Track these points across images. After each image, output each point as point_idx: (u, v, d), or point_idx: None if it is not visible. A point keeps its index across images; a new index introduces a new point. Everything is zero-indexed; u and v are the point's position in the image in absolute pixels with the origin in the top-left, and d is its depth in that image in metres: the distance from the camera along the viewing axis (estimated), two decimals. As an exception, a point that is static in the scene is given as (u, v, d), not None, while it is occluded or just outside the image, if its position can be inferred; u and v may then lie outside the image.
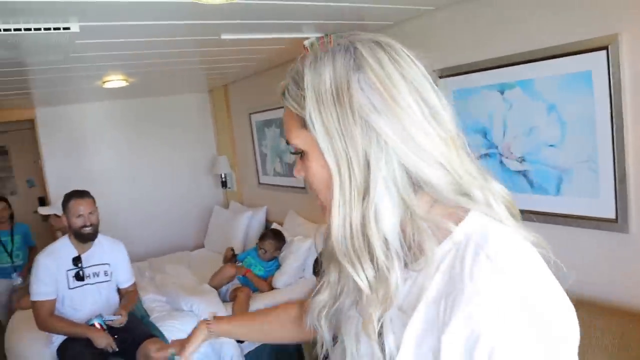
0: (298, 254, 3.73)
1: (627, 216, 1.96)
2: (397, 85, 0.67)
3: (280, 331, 1.20)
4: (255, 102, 4.72)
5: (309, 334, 1.13)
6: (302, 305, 1.14)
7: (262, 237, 3.91)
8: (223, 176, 5.59)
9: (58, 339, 2.84)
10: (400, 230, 0.69)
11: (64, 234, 3.06)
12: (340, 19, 2.66)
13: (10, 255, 4.46)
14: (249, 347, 3.32)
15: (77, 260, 2.85)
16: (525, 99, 2.23)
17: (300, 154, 0.75)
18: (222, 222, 5.12)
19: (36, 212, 4.06)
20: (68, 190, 2.93)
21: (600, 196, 2.04)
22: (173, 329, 3.17)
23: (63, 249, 2.86)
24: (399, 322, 0.69)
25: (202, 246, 5.35)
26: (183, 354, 1.19)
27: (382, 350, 0.70)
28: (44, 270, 2.75)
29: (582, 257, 2.12)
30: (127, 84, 3.90)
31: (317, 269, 0.92)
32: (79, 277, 2.84)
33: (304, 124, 0.71)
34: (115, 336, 2.75)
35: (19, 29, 1.95)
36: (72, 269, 2.83)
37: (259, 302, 3.47)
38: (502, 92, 2.33)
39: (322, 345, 0.86)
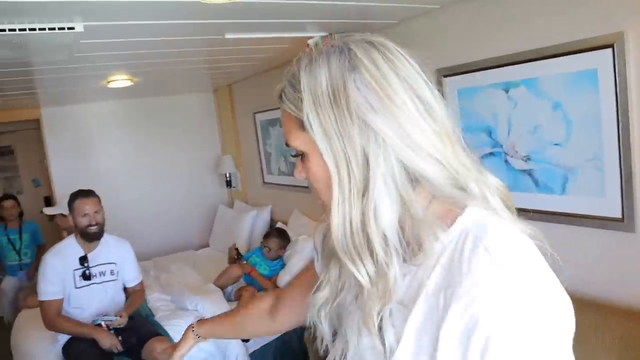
0: (303, 254, 3.72)
1: (634, 215, 1.94)
2: (392, 84, 0.68)
3: (254, 325, 1.22)
4: (260, 101, 4.73)
5: (281, 325, 1.16)
6: (278, 296, 1.16)
7: (267, 236, 3.92)
8: (228, 175, 5.59)
9: (63, 338, 2.86)
10: (399, 226, 0.70)
11: (69, 233, 3.07)
12: (345, 17, 2.66)
13: (19, 253, 4.50)
14: (253, 346, 3.33)
15: (83, 260, 2.86)
16: (530, 97, 2.22)
17: (301, 155, 0.76)
18: (226, 222, 5.13)
19: (42, 212, 4.08)
20: (73, 190, 2.95)
21: (606, 195, 2.02)
22: (178, 328, 3.17)
23: (70, 248, 2.87)
24: (399, 316, 0.70)
25: (207, 245, 5.36)
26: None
27: (383, 343, 0.72)
28: (51, 270, 2.77)
29: (587, 256, 2.11)
30: (132, 83, 3.91)
31: None
32: (85, 277, 2.85)
33: (302, 126, 0.72)
34: (120, 337, 2.76)
35: (24, 29, 1.96)
36: (78, 269, 2.84)
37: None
38: (506, 91, 2.32)
39: (322, 340, 0.88)
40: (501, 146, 2.40)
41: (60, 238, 3.32)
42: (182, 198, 5.58)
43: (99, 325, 2.77)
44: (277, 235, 3.87)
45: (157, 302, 3.61)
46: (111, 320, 2.79)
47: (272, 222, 4.79)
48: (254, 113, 4.93)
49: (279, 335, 3.25)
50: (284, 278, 3.67)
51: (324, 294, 0.83)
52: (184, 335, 1.26)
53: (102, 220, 2.90)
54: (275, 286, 3.70)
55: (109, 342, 2.72)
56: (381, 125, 0.67)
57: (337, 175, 0.70)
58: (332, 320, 0.86)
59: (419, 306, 0.68)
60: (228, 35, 2.70)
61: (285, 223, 4.38)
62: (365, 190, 0.68)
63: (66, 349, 2.82)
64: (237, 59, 3.74)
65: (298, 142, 0.75)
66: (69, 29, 2.03)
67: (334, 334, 0.87)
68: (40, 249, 4.47)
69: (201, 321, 1.27)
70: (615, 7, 1.87)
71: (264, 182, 5.07)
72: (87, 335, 2.73)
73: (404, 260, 0.71)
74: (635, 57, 1.85)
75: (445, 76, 2.58)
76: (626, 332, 1.82)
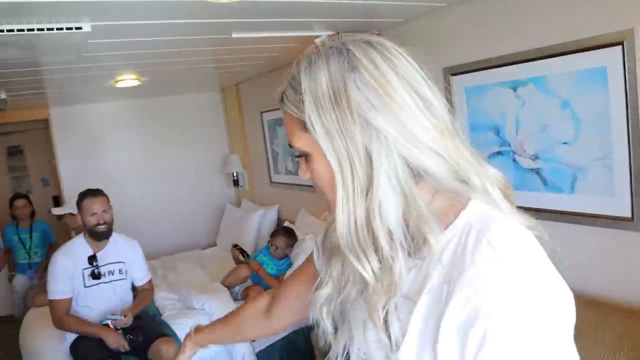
0: (310, 253, 3.71)
1: (644, 214, 1.92)
2: (391, 82, 0.69)
3: (252, 327, 1.22)
4: (267, 100, 4.73)
5: (278, 325, 1.16)
6: (274, 295, 1.16)
7: (274, 234, 3.92)
8: (235, 175, 5.60)
9: (71, 337, 2.88)
10: (403, 221, 0.71)
11: (77, 233, 3.09)
12: (352, 16, 2.65)
13: (28, 252, 4.54)
14: (260, 345, 3.33)
15: (92, 259, 2.87)
16: (538, 95, 2.20)
17: (304, 155, 0.77)
18: (234, 221, 5.14)
19: (50, 211, 4.10)
20: (82, 189, 2.96)
21: (615, 194, 2.00)
22: (185, 327, 3.18)
23: (79, 247, 2.89)
24: (405, 310, 0.72)
25: (215, 244, 5.37)
26: None
27: (389, 336, 0.73)
28: (60, 269, 2.78)
29: (597, 256, 2.09)
30: (140, 83, 3.92)
31: None
32: (94, 276, 2.87)
33: (304, 127, 0.73)
34: (128, 336, 2.77)
35: (32, 29, 1.97)
36: (87, 268, 2.86)
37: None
38: (514, 89, 2.30)
39: (324, 337, 0.89)
40: (509, 145, 2.38)
41: (69, 237, 3.34)
42: (190, 197, 5.60)
43: (107, 324, 2.78)
44: (285, 233, 3.87)
45: (164, 301, 3.62)
46: (116, 320, 2.80)
47: (280, 221, 4.79)
48: (261, 112, 4.93)
49: (285, 334, 3.25)
50: (291, 277, 3.67)
51: (325, 291, 0.85)
52: (182, 343, 1.28)
53: (111, 220, 2.91)
54: (283, 285, 3.70)
55: (116, 341, 2.73)
56: (382, 123, 0.68)
57: (341, 174, 0.71)
58: (334, 316, 0.87)
59: (424, 299, 0.69)
60: (235, 35, 2.70)
61: (293, 222, 4.37)
62: (369, 188, 0.70)
63: (74, 347, 2.84)
64: (243, 58, 3.75)
65: (301, 142, 0.76)
66: (76, 29, 2.04)
67: (336, 331, 0.88)
68: (51, 248, 4.51)
69: (198, 329, 1.28)
70: (625, 4, 1.85)
71: (271, 182, 5.07)
72: (95, 334, 2.75)
73: (409, 255, 0.73)
74: (646, 54, 1.83)
75: (453, 75, 2.57)
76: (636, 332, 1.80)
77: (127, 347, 2.75)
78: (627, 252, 2.01)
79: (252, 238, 4.71)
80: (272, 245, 3.82)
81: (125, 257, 3.01)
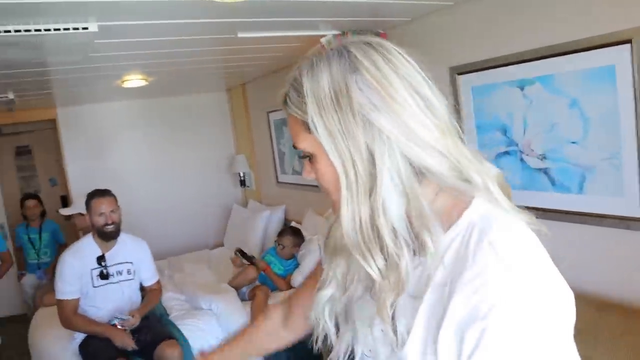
0: (317, 253, 3.71)
1: (653, 214, 1.91)
2: (392, 83, 0.70)
3: (268, 343, 1.19)
4: (273, 100, 4.64)
5: (301, 331, 1.13)
6: (289, 304, 1.15)
7: (281, 233, 3.92)
8: (242, 175, 5.61)
9: (80, 336, 2.89)
10: (407, 219, 0.72)
11: (85, 233, 3.10)
12: (358, 15, 2.65)
13: (37, 252, 4.57)
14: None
15: (101, 259, 2.89)
16: (545, 95, 2.18)
17: (309, 156, 0.78)
18: (241, 221, 5.14)
19: (57, 211, 4.12)
20: (90, 189, 2.98)
21: (624, 194, 1.98)
22: (192, 328, 3.19)
23: (87, 247, 2.90)
24: (410, 307, 0.72)
25: (222, 245, 5.38)
26: None
27: (395, 333, 0.74)
28: (69, 269, 2.80)
29: (606, 256, 2.07)
30: (147, 83, 3.94)
31: None
32: (103, 276, 2.88)
33: (308, 128, 0.74)
34: (135, 336, 2.79)
35: (39, 30, 1.98)
36: (96, 268, 2.87)
37: (278, 301, 3.47)
38: (522, 88, 2.28)
39: (326, 337, 0.90)
40: (516, 145, 2.36)
41: (77, 238, 3.35)
42: (197, 197, 5.61)
43: (114, 325, 2.79)
44: (291, 233, 3.87)
45: (171, 301, 3.63)
46: (124, 320, 2.81)
47: (286, 221, 4.79)
48: (268, 112, 4.93)
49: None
50: (297, 278, 3.67)
51: (329, 291, 0.86)
52: None
53: (119, 220, 2.92)
54: (289, 286, 3.71)
55: (123, 340, 2.74)
56: (385, 123, 0.69)
57: (344, 174, 0.72)
58: (337, 315, 0.88)
59: (428, 297, 0.70)
60: (240, 34, 2.70)
61: (300, 223, 4.37)
62: (372, 187, 0.70)
63: (83, 347, 2.86)
64: (249, 58, 3.75)
65: (305, 144, 0.77)
66: (83, 29, 2.05)
67: (337, 330, 0.89)
68: (61, 248, 4.53)
69: (203, 355, 1.21)
70: (633, 2, 1.83)
71: (277, 182, 5.07)
72: (102, 334, 2.76)
73: (414, 253, 0.73)
74: (655, 52, 1.80)
75: (460, 74, 2.55)
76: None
77: (134, 347, 2.76)
78: (637, 252, 1.99)
79: (259, 238, 4.71)
80: (279, 244, 3.82)
81: (133, 257, 3.02)
